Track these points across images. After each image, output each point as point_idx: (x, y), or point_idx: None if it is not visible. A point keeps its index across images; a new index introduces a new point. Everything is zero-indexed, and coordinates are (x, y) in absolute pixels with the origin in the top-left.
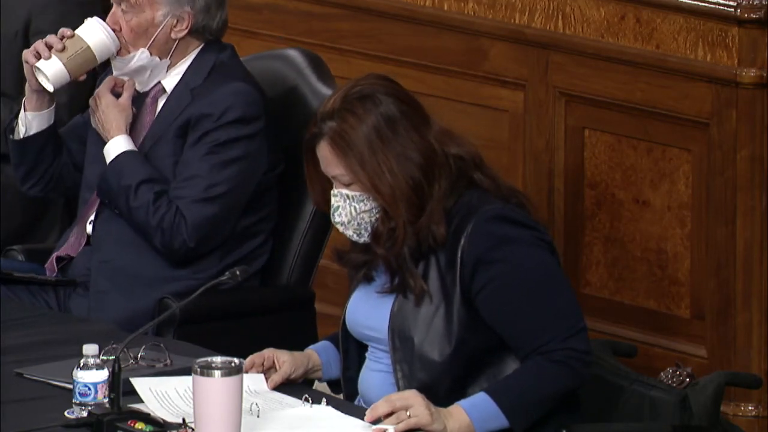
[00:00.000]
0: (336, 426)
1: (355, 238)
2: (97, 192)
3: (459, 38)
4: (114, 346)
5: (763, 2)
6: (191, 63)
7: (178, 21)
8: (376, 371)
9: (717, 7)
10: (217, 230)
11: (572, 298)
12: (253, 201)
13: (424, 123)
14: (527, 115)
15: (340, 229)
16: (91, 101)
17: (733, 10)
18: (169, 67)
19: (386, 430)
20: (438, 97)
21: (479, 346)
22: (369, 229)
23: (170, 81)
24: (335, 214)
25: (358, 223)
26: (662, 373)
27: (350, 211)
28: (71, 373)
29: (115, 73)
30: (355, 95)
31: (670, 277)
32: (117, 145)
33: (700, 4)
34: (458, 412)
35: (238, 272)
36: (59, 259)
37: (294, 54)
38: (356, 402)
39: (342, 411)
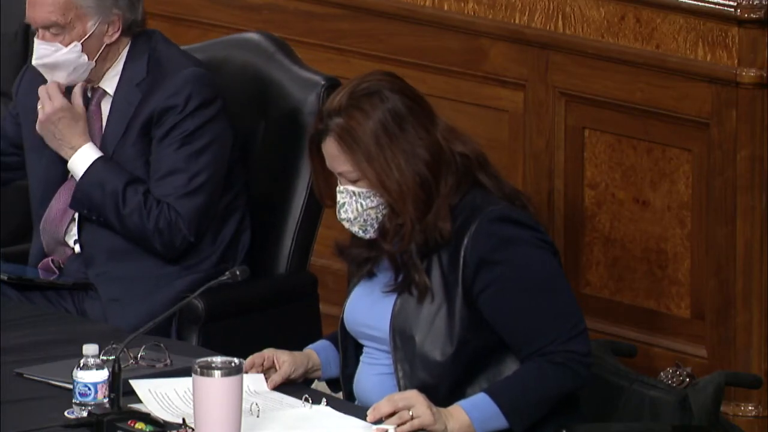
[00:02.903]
0: (336, 426)
1: (360, 234)
2: (75, 207)
3: (459, 38)
4: (114, 346)
5: (763, 2)
6: (126, 60)
7: (108, 26)
8: (374, 374)
9: (717, 7)
10: (208, 218)
11: (573, 299)
12: (225, 179)
13: (431, 120)
14: (527, 115)
15: (346, 225)
16: (39, 113)
17: (733, 10)
18: (105, 71)
19: (388, 430)
20: (438, 97)
21: (480, 347)
22: (375, 225)
23: (110, 83)
24: (341, 210)
25: (364, 220)
26: (662, 373)
27: (356, 207)
28: (71, 373)
29: (35, 60)
30: (362, 92)
31: (670, 277)
32: (87, 155)
33: (700, 4)
34: (458, 413)
35: (238, 272)
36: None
37: (257, 38)
38: (355, 401)
39: (342, 411)
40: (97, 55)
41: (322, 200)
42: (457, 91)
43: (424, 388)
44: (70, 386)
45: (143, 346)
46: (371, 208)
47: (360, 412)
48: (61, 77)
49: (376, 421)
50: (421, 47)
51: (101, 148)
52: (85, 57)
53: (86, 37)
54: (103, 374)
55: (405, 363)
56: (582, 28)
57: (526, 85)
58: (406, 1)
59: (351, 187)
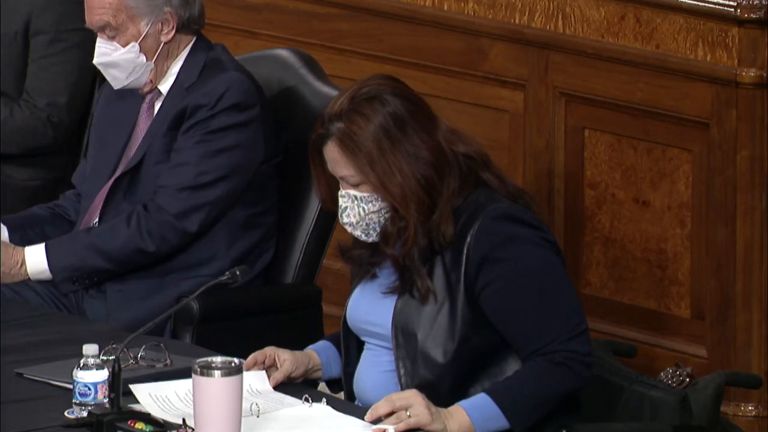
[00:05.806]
0: (336, 426)
1: (363, 237)
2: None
3: (459, 38)
4: (114, 346)
5: (763, 2)
6: (184, 62)
7: (162, 24)
8: (376, 372)
9: (717, 7)
10: (213, 215)
11: (575, 299)
12: (252, 192)
13: (432, 122)
14: (527, 115)
15: (348, 229)
16: None
17: (733, 10)
18: (166, 70)
19: (386, 429)
20: (438, 97)
21: (482, 345)
22: (377, 228)
23: (165, 84)
24: (343, 215)
25: (366, 224)
26: (662, 373)
27: (359, 212)
28: (71, 373)
29: (95, 60)
30: (362, 96)
31: (670, 277)
32: (35, 252)
33: (700, 4)
34: (459, 413)
35: (238, 272)
36: None
37: (285, 54)
38: (356, 400)
39: (342, 411)
40: (156, 55)
41: (325, 204)
42: (457, 91)
43: (425, 386)
44: (70, 386)
45: (143, 346)
46: (373, 212)
47: (360, 412)
48: (121, 77)
49: (375, 421)
50: (421, 47)
51: (142, 143)
52: (143, 57)
53: (142, 37)
54: (103, 374)
55: (407, 361)
56: (582, 28)
57: (526, 85)
58: (406, 1)
59: (353, 192)
